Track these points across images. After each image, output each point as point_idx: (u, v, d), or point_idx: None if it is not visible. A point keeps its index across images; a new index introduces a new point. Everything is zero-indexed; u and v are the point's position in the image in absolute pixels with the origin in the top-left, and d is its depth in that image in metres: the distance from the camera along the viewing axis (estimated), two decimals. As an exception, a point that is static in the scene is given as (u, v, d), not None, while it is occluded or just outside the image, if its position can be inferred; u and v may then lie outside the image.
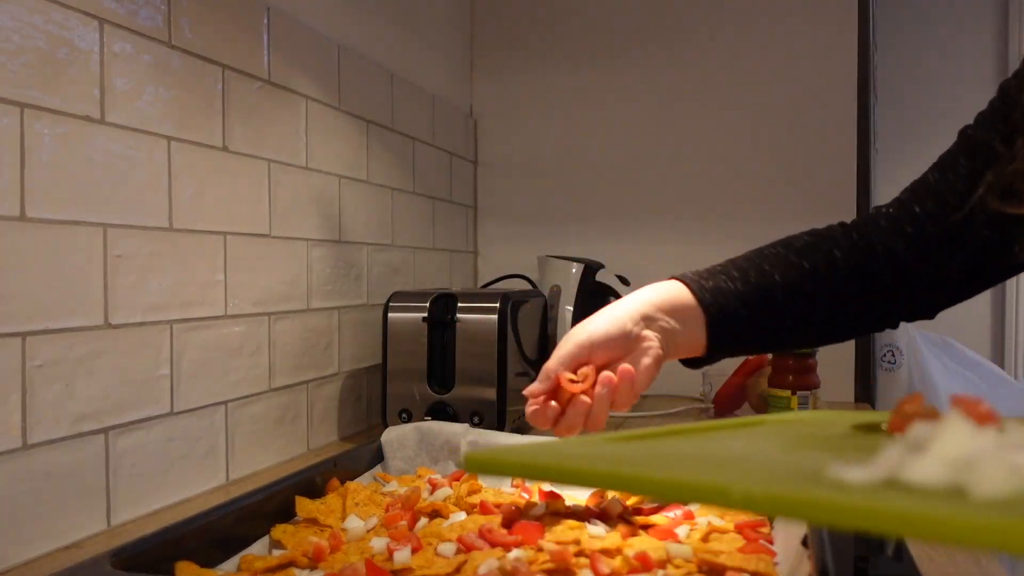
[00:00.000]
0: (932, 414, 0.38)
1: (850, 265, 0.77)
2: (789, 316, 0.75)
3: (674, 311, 0.72)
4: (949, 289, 0.77)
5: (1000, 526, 0.24)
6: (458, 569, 0.58)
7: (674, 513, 0.68)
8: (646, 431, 0.49)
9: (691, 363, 0.77)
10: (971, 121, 0.77)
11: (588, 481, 0.38)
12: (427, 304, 1.04)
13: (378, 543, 0.61)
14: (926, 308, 0.79)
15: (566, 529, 0.64)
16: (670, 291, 0.73)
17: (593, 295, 1.40)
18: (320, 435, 1.06)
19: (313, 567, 0.59)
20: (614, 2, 1.57)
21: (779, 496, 0.30)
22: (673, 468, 0.37)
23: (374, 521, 0.68)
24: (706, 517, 0.67)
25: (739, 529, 0.65)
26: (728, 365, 1.35)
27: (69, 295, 0.68)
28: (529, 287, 1.39)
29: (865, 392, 1.43)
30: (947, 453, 0.30)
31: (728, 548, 0.59)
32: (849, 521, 0.27)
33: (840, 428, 0.50)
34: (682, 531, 0.65)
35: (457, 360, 1.02)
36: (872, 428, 0.48)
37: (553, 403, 0.67)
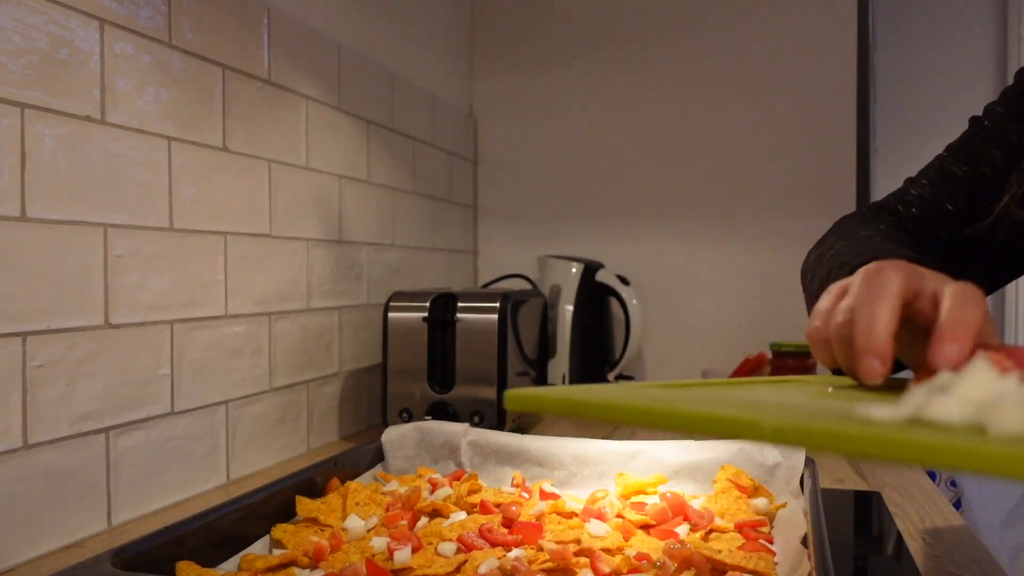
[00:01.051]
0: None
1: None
2: None
3: None
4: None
5: (1013, 455, 0.26)
6: (458, 568, 0.58)
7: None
8: (678, 382, 0.50)
9: None
10: (968, 120, 0.75)
11: (624, 416, 0.38)
12: (427, 304, 1.04)
13: (378, 542, 0.61)
14: None
15: (566, 528, 0.64)
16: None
17: (593, 295, 1.41)
18: (320, 435, 1.06)
19: (314, 567, 0.59)
20: (614, 2, 1.57)
21: (807, 428, 0.31)
22: (706, 406, 0.37)
23: (374, 521, 0.68)
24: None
25: (739, 528, 0.65)
26: (728, 364, 1.35)
27: (69, 295, 0.68)
28: (529, 287, 1.39)
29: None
30: (969, 394, 0.31)
31: (728, 547, 0.59)
32: (874, 451, 0.29)
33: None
34: (682, 530, 0.65)
35: (457, 360, 1.02)
36: (898, 384, 0.49)
37: None
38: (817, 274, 0.68)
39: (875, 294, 0.50)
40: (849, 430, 0.30)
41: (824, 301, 0.53)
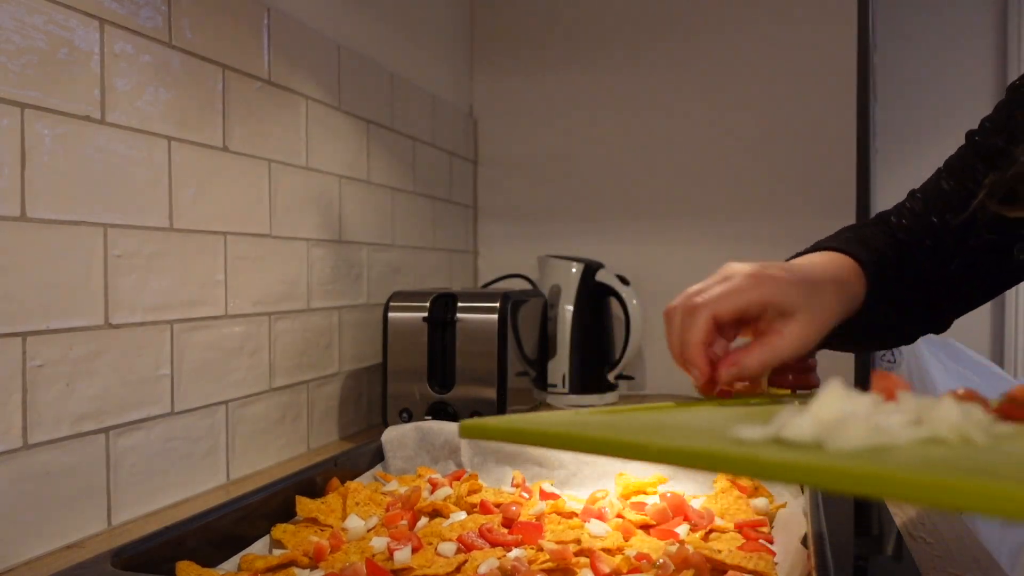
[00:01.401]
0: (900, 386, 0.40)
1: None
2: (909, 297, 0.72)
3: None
4: (958, 297, 0.75)
5: (811, 466, 0.29)
6: (458, 568, 0.58)
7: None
8: (625, 408, 0.54)
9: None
10: (972, 122, 0.76)
11: (547, 442, 0.43)
12: (427, 304, 1.04)
13: (378, 542, 0.61)
14: (940, 320, 0.77)
15: (566, 528, 0.64)
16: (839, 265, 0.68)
17: (593, 295, 1.41)
18: (320, 435, 1.06)
19: (313, 567, 0.59)
20: (614, 4, 1.57)
21: (682, 449, 0.35)
22: (611, 431, 0.42)
23: (374, 521, 0.68)
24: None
25: (739, 528, 0.65)
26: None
27: (69, 295, 0.68)
28: (529, 287, 1.39)
29: (865, 391, 1.43)
30: (819, 414, 0.34)
31: (728, 547, 0.59)
32: (714, 466, 0.35)
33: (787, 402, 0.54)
34: (682, 530, 0.65)
35: (457, 360, 1.02)
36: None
37: None
38: None
39: (692, 309, 0.58)
40: (706, 450, 0.34)
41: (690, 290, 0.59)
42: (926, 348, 2.03)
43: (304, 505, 0.69)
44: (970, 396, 0.38)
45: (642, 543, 0.62)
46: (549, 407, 1.35)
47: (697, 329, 0.58)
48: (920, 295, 0.73)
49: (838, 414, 0.34)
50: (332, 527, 0.67)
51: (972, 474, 0.27)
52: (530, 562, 0.57)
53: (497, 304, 1.02)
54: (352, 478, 0.78)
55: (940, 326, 0.77)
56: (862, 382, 1.43)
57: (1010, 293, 2.58)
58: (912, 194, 0.78)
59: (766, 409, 0.52)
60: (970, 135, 0.76)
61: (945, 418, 0.34)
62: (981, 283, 0.75)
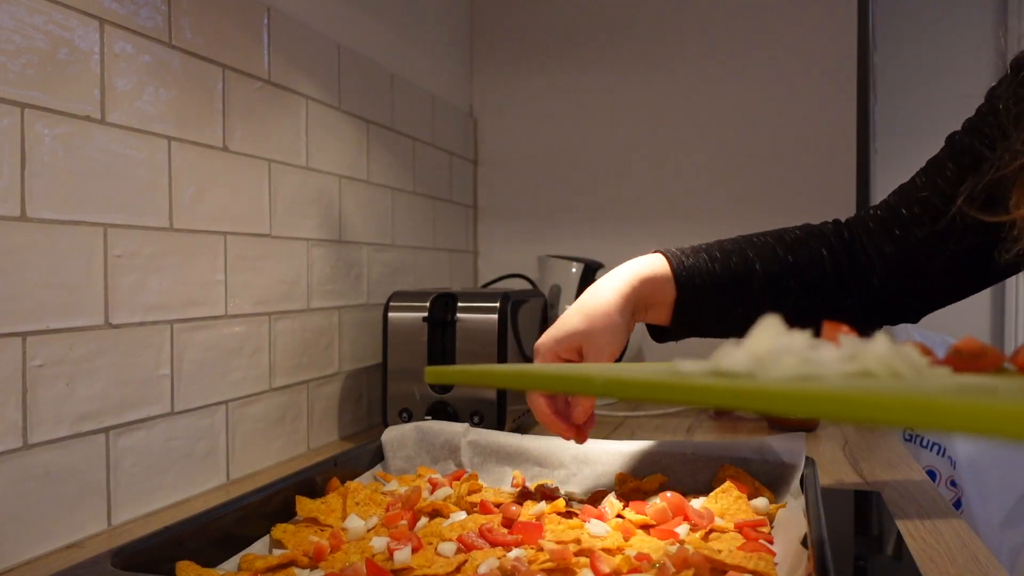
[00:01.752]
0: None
1: (837, 264, 0.79)
2: (762, 306, 0.76)
3: (653, 283, 0.76)
4: (934, 293, 0.79)
5: (739, 389, 0.31)
6: (458, 568, 0.58)
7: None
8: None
9: (656, 334, 0.82)
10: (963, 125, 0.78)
11: (507, 381, 0.49)
12: (427, 304, 1.04)
13: (378, 542, 0.61)
14: (911, 312, 0.81)
15: (566, 528, 0.64)
16: (653, 266, 0.77)
17: (593, 295, 1.41)
18: (320, 435, 1.06)
19: (314, 567, 0.59)
20: (614, 3, 1.57)
21: (625, 380, 0.38)
22: (568, 371, 0.44)
23: (374, 521, 0.68)
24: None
25: (739, 528, 0.65)
26: (728, 365, 1.35)
27: (69, 295, 0.68)
28: (529, 287, 1.39)
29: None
30: (754, 347, 0.36)
31: (728, 547, 0.59)
32: (655, 394, 0.37)
33: None
34: (682, 530, 0.65)
35: (457, 359, 1.02)
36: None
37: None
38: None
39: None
40: (646, 380, 0.37)
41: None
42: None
43: (304, 505, 0.69)
44: (921, 349, 0.38)
45: (642, 543, 0.62)
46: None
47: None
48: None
49: (772, 347, 0.36)
50: (332, 527, 0.67)
51: (894, 391, 0.27)
52: (530, 562, 0.57)
53: (497, 304, 1.02)
54: (352, 478, 0.78)
55: (909, 318, 0.82)
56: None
57: (1010, 293, 2.58)
58: (895, 190, 0.81)
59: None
60: (950, 136, 0.78)
61: (876, 353, 0.35)
62: (963, 284, 0.78)
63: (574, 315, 0.73)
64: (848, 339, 0.37)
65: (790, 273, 0.78)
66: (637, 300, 0.75)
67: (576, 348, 0.72)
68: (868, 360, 0.34)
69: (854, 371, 0.34)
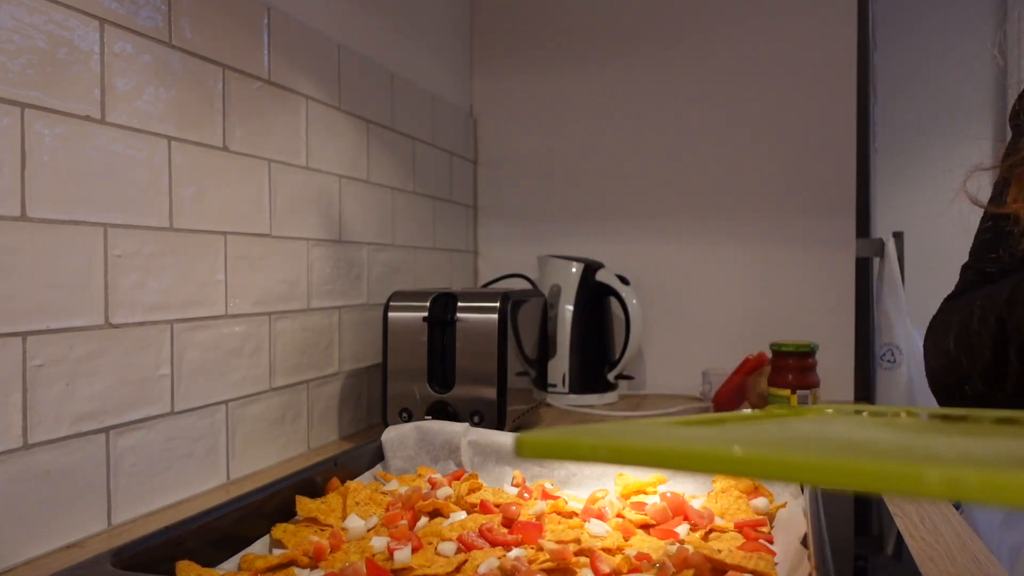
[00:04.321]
0: None
1: None
2: None
3: None
4: None
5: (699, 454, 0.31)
6: (458, 568, 0.58)
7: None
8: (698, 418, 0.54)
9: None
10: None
11: (616, 457, 0.43)
12: (427, 304, 1.04)
13: (378, 542, 0.61)
14: None
15: (566, 528, 0.64)
16: None
17: (593, 295, 1.41)
18: (320, 435, 1.06)
19: (314, 566, 0.59)
20: (614, 2, 1.57)
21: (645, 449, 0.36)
22: (689, 443, 0.42)
23: (374, 520, 0.68)
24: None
25: (739, 528, 0.65)
26: (728, 364, 1.35)
27: (69, 295, 0.68)
28: (529, 287, 1.39)
29: (865, 391, 1.43)
30: None
31: (728, 547, 0.59)
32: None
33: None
34: (682, 530, 0.65)
35: (457, 359, 1.02)
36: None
37: None
38: (977, 310, 0.67)
39: None
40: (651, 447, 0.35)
41: None
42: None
43: (304, 505, 0.69)
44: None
45: (642, 543, 0.62)
46: (549, 407, 1.35)
47: None
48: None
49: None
50: (332, 527, 0.67)
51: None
52: (530, 562, 0.57)
53: (497, 304, 1.02)
54: (352, 478, 0.78)
55: None
56: (863, 381, 1.43)
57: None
58: (968, 264, 0.75)
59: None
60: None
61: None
62: None
63: None
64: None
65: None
66: None
67: None
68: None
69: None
